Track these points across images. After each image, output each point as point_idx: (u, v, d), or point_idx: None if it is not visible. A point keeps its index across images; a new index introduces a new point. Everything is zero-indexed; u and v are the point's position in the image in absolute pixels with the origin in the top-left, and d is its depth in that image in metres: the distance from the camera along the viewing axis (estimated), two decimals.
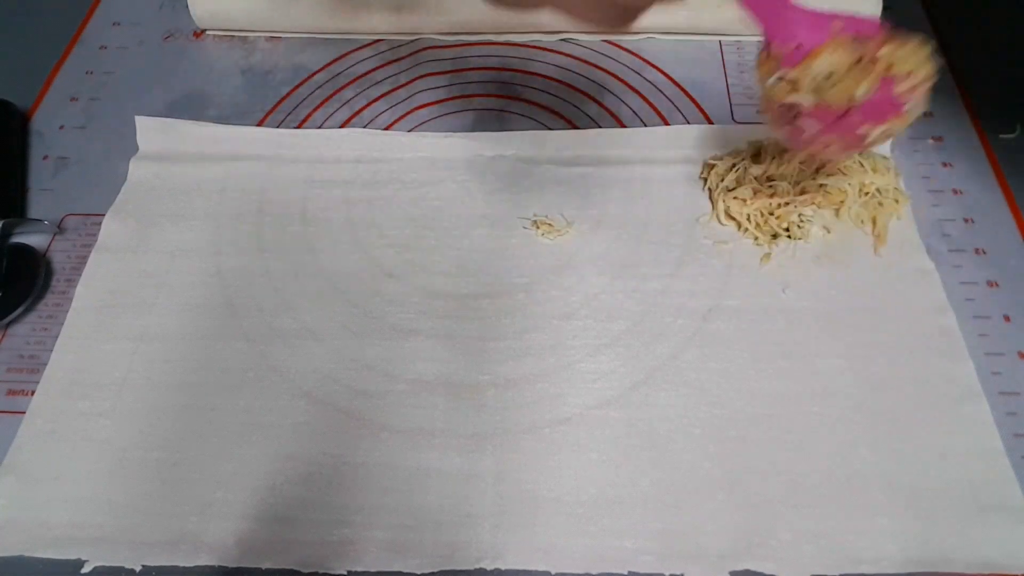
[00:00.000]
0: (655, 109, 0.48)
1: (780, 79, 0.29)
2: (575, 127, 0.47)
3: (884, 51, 0.28)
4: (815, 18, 0.29)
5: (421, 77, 0.50)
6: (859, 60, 0.28)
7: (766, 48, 0.30)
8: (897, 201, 0.41)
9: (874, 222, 0.41)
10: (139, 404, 0.37)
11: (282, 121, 0.49)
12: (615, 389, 0.37)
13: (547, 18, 0.50)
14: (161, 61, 0.53)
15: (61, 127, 0.49)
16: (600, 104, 0.48)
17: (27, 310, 0.41)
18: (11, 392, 0.38)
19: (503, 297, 0.40)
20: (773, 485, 0.34)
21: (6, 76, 0.52)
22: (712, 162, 0.43)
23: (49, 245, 0.44)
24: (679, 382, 0.37)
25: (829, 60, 0.28)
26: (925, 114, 0.46)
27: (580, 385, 0.37)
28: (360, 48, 0.52)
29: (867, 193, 0.41)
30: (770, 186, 0.41)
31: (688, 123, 0.46)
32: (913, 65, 0.29)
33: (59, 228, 0.44)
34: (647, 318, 0.39)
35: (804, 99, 0.29)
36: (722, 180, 0.42)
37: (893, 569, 0.32)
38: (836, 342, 0.37)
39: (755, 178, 0.41)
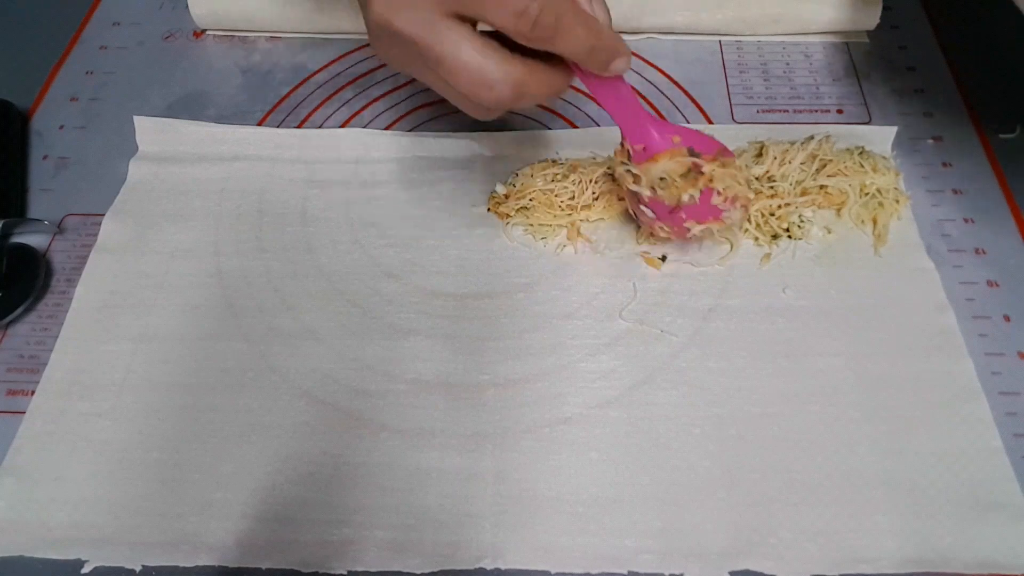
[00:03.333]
0: (655, 109, 0.48)
1: (628, 170, 0.36)
2: (575, 127, 0.47)
3: (708, 168, 0.35)
4: (661, 128, 0.35)
5: None
6: (689, 171, 0.35)
7: (622, 142, 0.36)
8: (897, 201, 0.41)
9: (874, 222, 0.41)
10: (139, 404, 0.37)
11: (282, 121, 0.49)
12: (615, 389, 0.37)
13: None
14: (161, 61, 0.53)
15: (61, 127, 0.49)
16: (600, 104, 0.48)
17: (27, 310, 0.41)
18: (11, 392, 0.38)
19: (503, 297, 0.40)
20: (773, 484, 0.34)
21: (6, 76, 0.52)
22: None
23: (49, 245, 0.44)
24: (679, 381, 0.37)
25: (664, 167, 0.35)
26: (925, 114, 0.46)
27: (580, 385, 0.37)
28: (360, 48, 0.52)
29: (867, 194, 0.41)
30: (771, 187, 0.41)
31: (688, 123, 0.46)
32: (730, 184, 0.35)
33: (59, 228, 0.44)
34: (647, 318, 0.39)
35: (643, 190, 0.35)
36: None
37: (892, 568, 0.32)
38: (836, 342, 0.37)
39: (756, 178, 0.41)
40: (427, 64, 0.29)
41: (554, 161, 0.44)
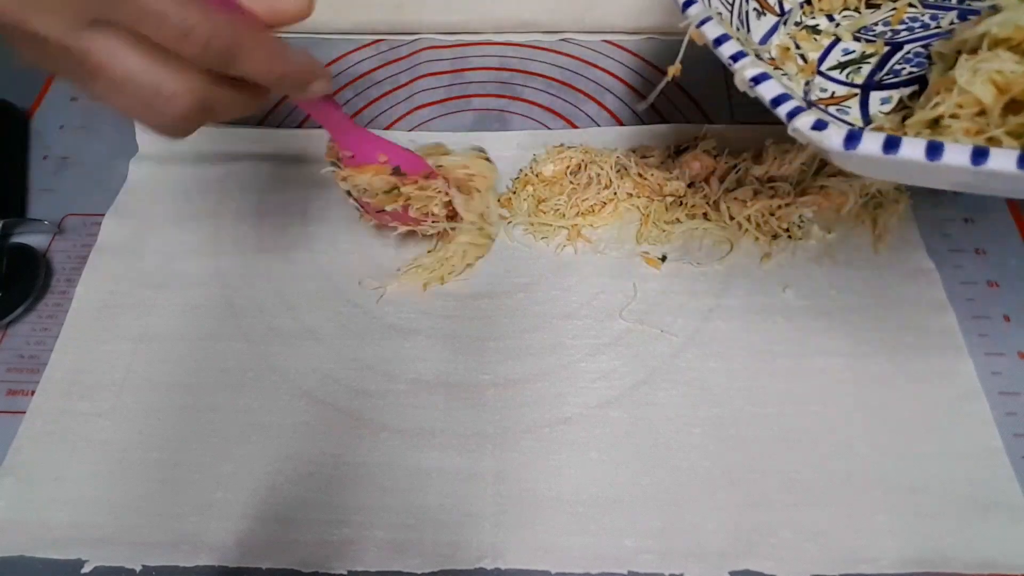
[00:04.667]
0: (655, 109, 0.48)
1: (334, 171, 0.38)
2: (575, 127, 0.47)
3: (406, 190, 0.37)
4: (373, 143, 0.37)
5: (421, 77, 0.50)
6: (393, 188, 0.37)
7: (333, 143, 0.37)
8: (897, 201, 0.41)
9: (874, 222, 0.41)
10: (139, 404, 0.37)
11: (282, 121, 0.49)
12: (615, 388, 0.37)
13: (545, 18, 0.50)
14: None
15: (61, 127, 0.49)
16: (600, 104, 0.48)
17: (27, 310, 0.41)
18: (11, 392, 0.38)
19: (503, 297, 0.40)
20: (773, 484, 0.34)
21: (6, 76, 0.52)
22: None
23: (49, 245, 0.44)
24: (679, 381, 0.37)
25: (368, 180, 0.37)
26: None
27: (580, 385, 0.37)
28: (360, 48, 0.52)
29: (867, 194, 0.41)
30: (771, 187, 0.41)
31: (688, 123, 0.46)
32: (425, 204, 0.38)
33: (59, 228, 0.44)
34: (647, 318, 0.39)
35: (351, 189, 0.37)
36: (722, 181, 0.41)
37: (892, 568, 0.32)
38: (836, 341, 0.37)
39: (756, 179, 0.41)
40: (89, 76, 0.25)
41: (568, 147, 0.44)
